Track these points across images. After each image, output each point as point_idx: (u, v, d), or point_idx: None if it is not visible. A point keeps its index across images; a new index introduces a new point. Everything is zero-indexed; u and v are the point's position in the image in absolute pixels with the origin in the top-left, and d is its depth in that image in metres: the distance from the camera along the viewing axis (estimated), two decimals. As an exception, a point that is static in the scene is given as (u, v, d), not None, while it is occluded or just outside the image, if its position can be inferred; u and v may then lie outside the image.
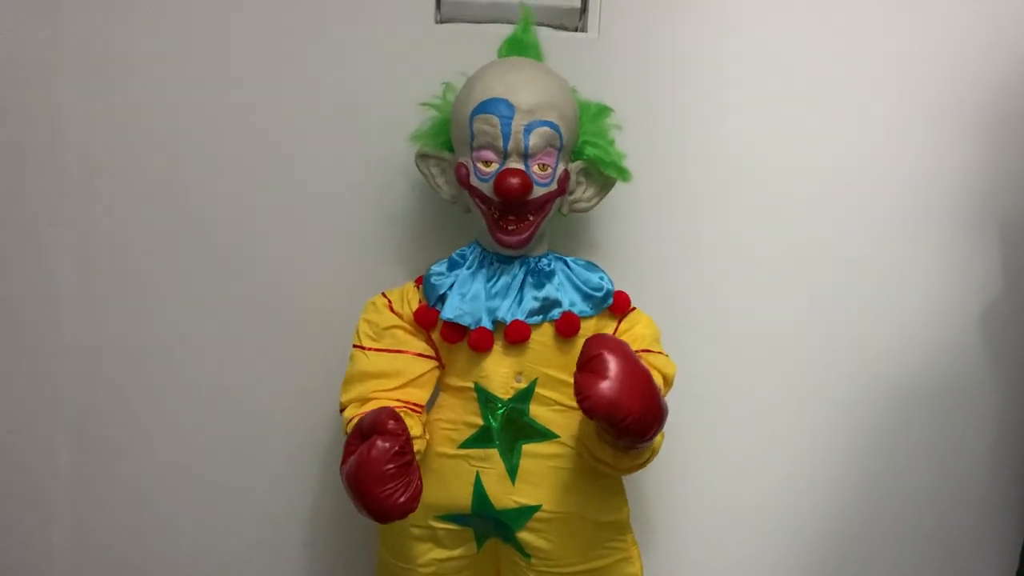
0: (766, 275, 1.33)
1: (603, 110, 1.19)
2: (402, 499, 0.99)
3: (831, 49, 1.31)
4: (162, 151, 1.29)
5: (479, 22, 1.29)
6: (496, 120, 1.09)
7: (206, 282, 1.31)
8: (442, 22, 1.29)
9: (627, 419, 0.98)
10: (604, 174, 1.17)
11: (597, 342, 1.01)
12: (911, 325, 1.35)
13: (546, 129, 1.10)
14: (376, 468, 0.98)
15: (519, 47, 1.18)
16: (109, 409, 1.32)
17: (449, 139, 1.16)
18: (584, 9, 1.30)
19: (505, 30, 1.28)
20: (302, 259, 1.31)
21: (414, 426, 1.08)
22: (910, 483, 1.37)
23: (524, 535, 1.12)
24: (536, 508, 1.11)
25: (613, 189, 1.18)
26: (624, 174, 1.17)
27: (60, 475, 1.32)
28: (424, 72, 1.26)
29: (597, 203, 1.19)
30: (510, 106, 1.09)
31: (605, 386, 0.97)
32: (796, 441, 1.36)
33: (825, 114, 1.31)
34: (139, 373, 1.32)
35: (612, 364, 0.98)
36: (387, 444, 0.98)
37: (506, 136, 1.09)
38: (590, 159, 1.16)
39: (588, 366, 1.00)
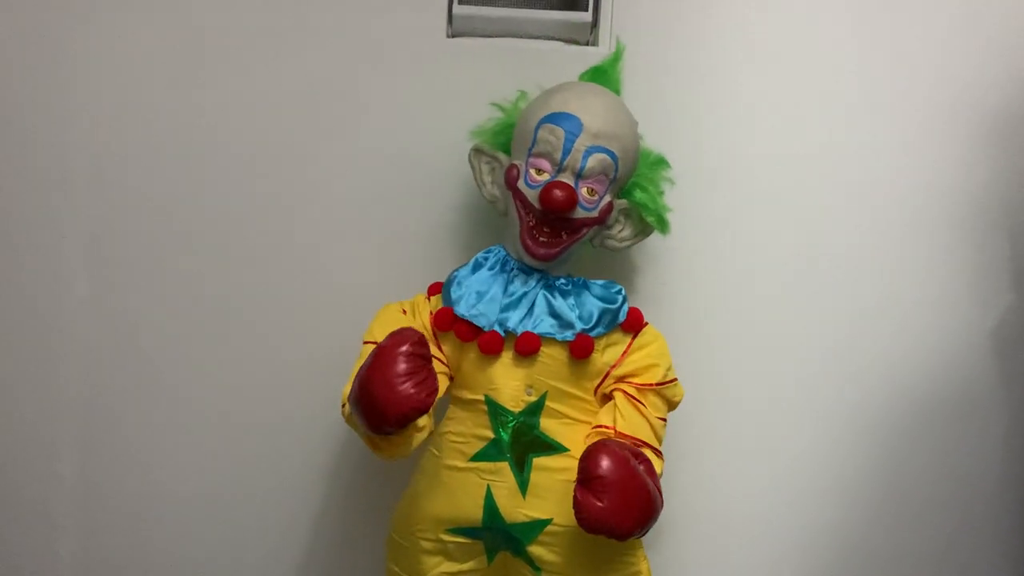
0: (775, 281, 1.34)
1: (661, 161, 1.20)
2: (413, 389, 0.98)
3: (848, 61, 1.32)
4: (175, 160, 1.29)
5: (490, 36, 1.30)
6: (562, 133, 1.10)
7: (215, 291, 1.31)
8: (453, 36, 1.30)
9: (622, 535, 1.03)
10: (644, 220, 1.18)
11: (596, 459, 1.02)
12: (922, 331, 1.35)
13: (605, 156, 1.11)
14: (390, 354, 0.99)
15: (602, 77, 1.19)
16: (115, 418, 1.32)
17: (508, 142, 1.18)
18: (595, 23, 1.30)
19: (516, 44, 1.30)
20: (313, 269, 1.31)
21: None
22: (919, 488, 1.37)
23: (535, 549, 1.11)
24: (547, 522, 1.11)
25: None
26: (663, 226, 1.18)
27: (66, 484, 1.32)
28: (435, 86, 1.28)
29: (630, 246, 1.20)
30: (579, 124, 1.10)
31: (602, 509, 1.01)
32: (804, 447, 1.36)
33: (840, 124, 1.32)
34: (145, 381, 1.32)
35: (610, 488, 1.01)
36: (403, 336, 1.00)
37: (566, 151, 1.10)
38: (636, 202, 1.17)
39: (588, 485, 1.02)
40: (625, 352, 1.15)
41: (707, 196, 1.32)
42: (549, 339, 1.12)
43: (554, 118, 1.11)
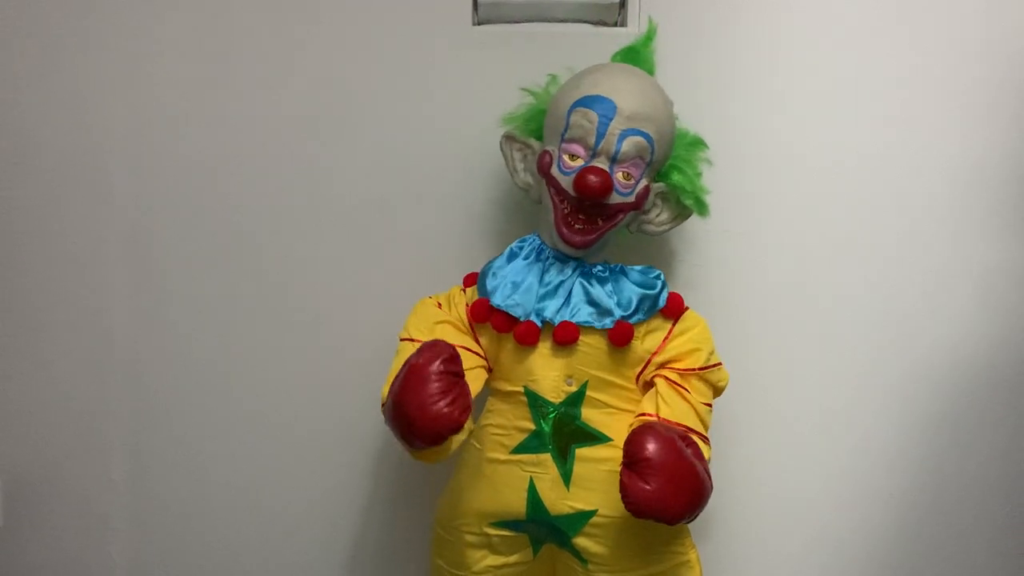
0: (819, 265, 1.31)
1: (698, 142, 1.18)
2: (447, 408, 0.98)
3: (887, 36, 1.28)
4: (206, 162, 1.29)
5: (517, 22, 1.28)
6: (595, 116, 1.08)
7: (255, 291, 1.31)
8: (480, 24, 1.28)
9: (671, 519, 1.01)
10: (682, 203, 1.15)
11: (642, 442, 1.01)
12: (975, 319, 1.32)
13: (640, 139, 1.08)
14: (423, 373, 0.98)
15: (635, 57, 1.17)
16: (163, 425, 1.33)
17: (539, 128, 1.16)
18: (623, 4, 1.28)
19: (543, 29, 1.28)
20: (348, 266, 1.30)
21: None
22: (975, 482, 1.34)
23: (580, 540, 1.10)
24: (592, 513, 1.09)
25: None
26: (703, 208, 1.16)
27: (117, 490, 1.34)
28: (463, 75, 1.27)
29: (668, 230, 1.17)
30: (613, 107, 1.08)
31: (650, 492, 0.99)
32: (853, 434, 1.33)
33: (884, 101, 1.29)
34: (191, 389, 1.33)
35: (657, 471, 0.99)
36: (435, 352, 1.00)
37: (600, 135, 1.08)
38: (673, 184, 1.14)
39: (634, 467, 1.00)
40: (666, 338, 1.13)
41: (746, 177, 1.29)
42: (587, 328, 1.10)
43: (587, 101, 1.09)
